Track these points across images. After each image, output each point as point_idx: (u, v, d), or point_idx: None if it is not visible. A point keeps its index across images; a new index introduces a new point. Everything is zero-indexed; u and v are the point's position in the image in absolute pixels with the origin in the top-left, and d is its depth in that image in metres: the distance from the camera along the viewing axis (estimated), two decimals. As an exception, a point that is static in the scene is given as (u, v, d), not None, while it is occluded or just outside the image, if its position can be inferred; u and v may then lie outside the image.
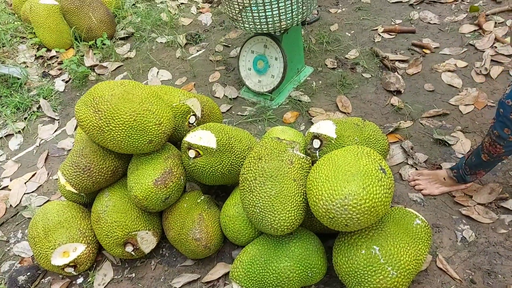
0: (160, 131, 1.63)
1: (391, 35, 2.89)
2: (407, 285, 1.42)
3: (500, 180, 1.89)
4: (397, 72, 2.55)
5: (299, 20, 2.26)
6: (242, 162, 1.76)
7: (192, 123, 1.90)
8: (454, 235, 1.72)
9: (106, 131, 1.57)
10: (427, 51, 2.68)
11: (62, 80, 3.01)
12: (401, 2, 3.16)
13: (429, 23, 2.92)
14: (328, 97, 2.53)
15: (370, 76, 2.60)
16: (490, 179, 1.89)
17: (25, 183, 2.30)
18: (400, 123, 2.23)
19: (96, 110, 1.57)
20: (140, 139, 1.60)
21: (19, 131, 2.64)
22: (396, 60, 2.65)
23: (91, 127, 1.59)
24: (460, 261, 1.63)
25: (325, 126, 1.79)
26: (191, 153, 1.69)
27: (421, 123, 2.23)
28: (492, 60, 2.49)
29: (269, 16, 2.16)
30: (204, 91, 2.76)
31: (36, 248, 1.74)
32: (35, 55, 3.25)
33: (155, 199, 1.64)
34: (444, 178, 1.87)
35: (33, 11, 3.13)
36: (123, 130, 1.56)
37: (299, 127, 2.38)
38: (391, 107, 2.37)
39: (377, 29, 2.96)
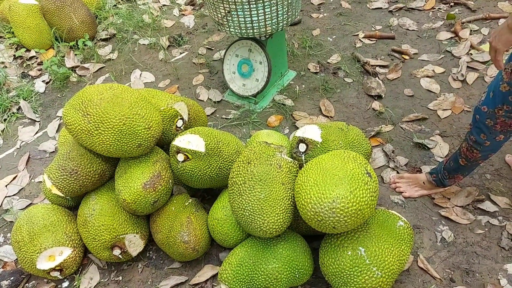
0: (149, 135, 1.64)
1: (371, 40, 2.96)
2: (391, 284, 1.48)
3: (476, 182, 1.97)
4: (378, 77, 2.63)
5: (284, 25, 2.30)
6: (230, 166, 1.78)
7: (180, 127, 1.92)
8: (434, 236, 1.79)
9: (95, 135, 1.57)
10: (406, 57, 2.76)
11: (43, 81, 2.96)
12: (381, 8, 3.25)
13: (407, 29, 3.02)
14: (312, 101, 2.58)
15: (352, 80, 2.67)
16: (467, 181, 1.98)
17: (6, 186, 2.26)
18: (381, 127, 2.30)
19: (85, 113, 1.56)
20: (129, 143, 1.60)
21: (-1, 133, 2.60)
22: (377, 65, 2.72)
23: (79, 130, 1.58)
24: (440, 260, 1.70)
25: (310, 131, 1.83)
26: (180, 157, 1.70)
27: (401, 127, 2.30)
28: (468, 67, 2.59)
29: (255, 21, 2.19)
30: (188, 93, 2.77)
31: (21, 253, 1.72)
32: (14, 55, 3.19)
33: (143, 202, 1.65)
34: (423, 182, 1.94)
35: (12, 10, 3.07)
36: (112, 134, 1.57)
37: (283, 131, 2.42)
38: (373, 112, 2.43)
39: (358, 35, 3.03)
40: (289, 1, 2.20)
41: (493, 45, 1.35)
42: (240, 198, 1.55)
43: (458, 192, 1.91)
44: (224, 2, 2.15)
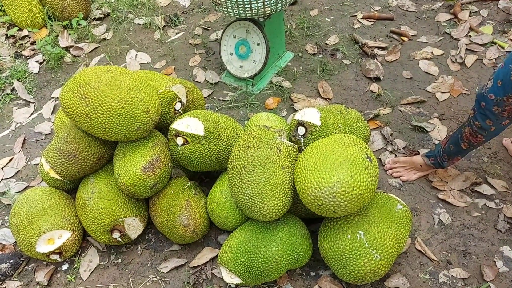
0: (148, 118, 1.62)
1: (370, 21, 2.93)
2: (389, 267, 1.50)
3: (474, 165, 1.99)
4: (376, 59, 2.61)
5: (283, 5, 2.26)
6: (229, 149, 1.78)
7: (178, 110, 1.90)
8: (432, 219, 1.81)
9: (93, 118, 1.55)
10: (405, 39, 2.74)
11: (36, 61, 2.91)
12: (379, -12, 3.20)
13: (406, 10, 2.98)
14: (309, 83, 2.56)
15: (350, 62, 2.65)
16: (465, 164, 1.99)
17: (2, 168, 2.24)
18: (379, 110, 2.30)
19: (83, 97, 1.54)
20: (128, 126, 1.59)
21: (-7, 115, 2.56)
22: (375, 47, 2.70)
23: (77, 113, 1.56)
24: (437, 243, 1.73)
25: (309, 114, 1.82)
26: (179, 140, 1.69)
27: (400, 110, 2.30)
28: (466, 49, 2.58)
29: (253, 2, 2.15)
30: (185, 75, 2.74)
31: (20, 236, 1.72)
32: (6, 34, 3.12)
33: (143, 186, 1.64)
34: (420, 165, 1.94)
35: (3, -13, 2.99)
36: (111, 118, 1.55)
37: (281, 113, 2.41)
38: (371, 94, 2.42)
39: (356, 15, 2.99)
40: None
41: None
42: (240, 182, 1.55)
43: (456, 176, 1.92)
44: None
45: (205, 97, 2.53)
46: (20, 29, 3.11)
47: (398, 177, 1.98)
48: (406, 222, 1.59)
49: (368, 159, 1.44)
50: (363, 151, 1.46)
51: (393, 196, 1.66)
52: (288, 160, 1.58)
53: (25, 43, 3.06)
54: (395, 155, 2.08)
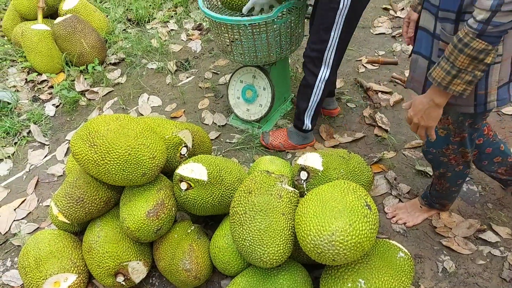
0: (153, 164, 1.68)
1: (374, 66, 3.01)
2: (391, 316, 1.48)
3: (478, 211, 1.98)
4: (380, 104, 2.65)
5: (288, 53, 2.35)
6: (232, 194, 1.81)
7: (184, 154, 1.96)
8: (436, 266, 1.79)
9: (101, 165, 1.61)
10: (409, 83, 2.79)
11: (53, 104, 3.03)
12: (384, 34, 3.30)
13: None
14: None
15: (355, 106, 2.70)
16: (469, 210, 1.99)
17: (14, 209, 2.30)
18: (383, 154, 2.32)
19: (92, 144, 1.61)
20: (134, 172, 1.64)
21: (9, 156, 2.65)
22: (380, 91, 2.76)
23: (86, 160, 1.63)
24: (441, 291, 1.71)
25: (311, 158, 1.86)
26: (183, 185, 1.74)
27: (404, 154, 2.32)
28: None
29: (259, 51, 2.24)
30: (194, 117, 2.82)
31: (27, 278, 1.75)
32: (26, 79, 3.27)
33: (147, 230, 1.68)
34: (420, 206, 1.97)
35: (25, 35, 3.17)
36: (118, 164, 1.61)
37: (286, 156, 2.45)
38: (375, 137, 2.46)
39: (361, 60, 3.08)
40: (293, 31, 2.25)
41: (423, 124, 1.38)
42: (241, 228, 1.57)
43: (460, 222, 1.92)
44: (228, 31, 2.21)
45: (212, 139, 2.60)
46: (39, 74, 3.27)
47: (404, 223, 1.98)
48: (408, 270, 1.58)
49: (367, 207, 1.46)
50: (363, 199, 1.48)
51: (395, 243, 1.66)
52: (289, 206, 1.61)
53: (43, 87, 3.21)
54: (400, 200, 2.09)
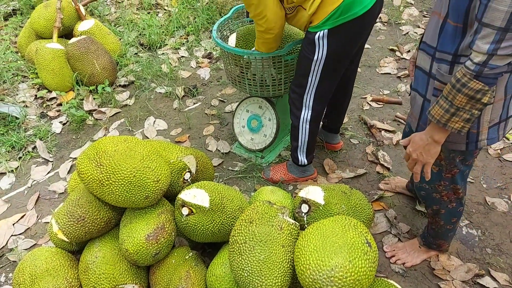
0: (157, 187, 1.69)
1: (379, 104, 3.06)
2: None
3: (477, 256, 1.97)
4: (383, 141, 2.69)
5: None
6: (232, 222, 1.82)
7: (187, 180, 1.97)
8: (433, 309, 1.78)
9: (105, 185, 1.63)
10: (412, 123, 2.84)
11: (60, 122, 3.07)
12: (389, 74, 3.37)
13: (415, 96, 3.11)
14: (316, 159, 2.63)
15: (358, 142, 2.74)
16: (468, 254, 1.98)
17: (13, 224, 2.30)
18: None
19: (98, 164, 1.63)
20: (138, 194, 1.66)
21: (12, 170, 2.67)
22: (383, 129, 2.79)
23: (91, 179, 1.64)
24: (438, 335, 1.69)
25: (313, 192, 1.87)
26: (185, 210, 1.75)
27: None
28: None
29: (267, 85, 2.30)
30: (198, 143, 2.85)
31: (21, 295, 1.74)
32: (36, 95, 3.33)
33: (145, 254, 1.68)
34: (419, 246, 1.97)
35: (39, 53, 3.24)
36: (122, 185, 1.63)
37: (287, 187, 2.46)
38: (377, 175, 2.48)
39: (366, 97, 3.13)
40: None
41: (421, 160, 1.42)
42: (240, 258, 1.57)
43: (458, 266, 1.91)
44: (239, 63, 2.27)
45: (215, 166, 2.62)
46: (49, 91, 3.33)
47: (403, 263, 1.97)
48: (405, 311, 1.57)
49: (367, 244, 1.46)
50: (363, 236, 1.49)
51: (393, 283, 1.65)
52: (289, 238, 1.61)
53: (52, 104, 3.25)
54: (399, 239, 2.09)
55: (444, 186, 1.62)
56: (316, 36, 1.84)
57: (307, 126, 2.19)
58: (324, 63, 1.93)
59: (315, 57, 1.91)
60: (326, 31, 1.83)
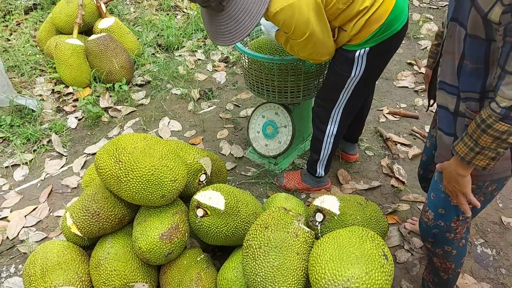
0: (174, 187, 1.69)
1: (395, 117, 3.04)
2: None
3: (491, 275, 1.94)
4: (398, 155, 2.67)
5: (314, 95, 2.40)
6: (246, 226, 1.81)
7: (202, 181, 1.97)
8: (445, 327, 1.75)
9: (123, 182, 1.63)
10: (428, 138, 2.82)
11: (75, 117, 3.09)
12: (406, 87, 3.35)
13: (432, 111, 3.09)
14: (330, 168, 2.61)
15: (373, 154, 2.72)
16: (482, 273, 1.95)
17: (25, 216, 2.30)
18: (398, 205, 2.31)
19: (117, 160, 1.63)
20: (154, 193, 1.65)
21: (26, 163, 2.68)
22: (399, 143, 2.78)
23: (109, 175, 1.64)
24: None
25: (329, 201, 1.86)
26: (199, 212, 1.74)
27: (419, 208, 2.31)
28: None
29: (285, 92, 2.29)
30: (211, 146, 2.85)
31: (31, 287, 1.73)
32: (53, 89, 3.35)
33: (158, 253, 1.67)
34: None
35: (58, 48, 3.27)
36: (140, 183, 1.62)
37: (300, 195, 2.45)
38: (391, 188, 2.46)
39: (382, 110, 3.12)
40: (321, 74, 2.31)
41: (458, 190, 1.34)
42: (254, 263, 1.56)
43: (472, 284, 1.88)
44: (260, 71, 2.26)
45: (228, 170, 2.61)
46: (66, 86, 3.35)
47: None
48: (418, 327, 1.55)
49: (384, 257, 1.44)
50: (380, 248, 1.47)
51: (407, 297, 1.63)
52: (304, 246, 1.60)
53: (68, 99, 3.27)
54: (412, 254, 2.06)
55: (463, 219, 1.50)
56: (356, 54, 1.81)
57: (332, 141, 2.16)
58: (359, 80, 1.90)
59: (352, 75, 1.88)
60: (367, 49, 1.79)
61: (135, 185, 1.63)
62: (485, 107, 1.15)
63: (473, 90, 1.24)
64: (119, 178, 1.63)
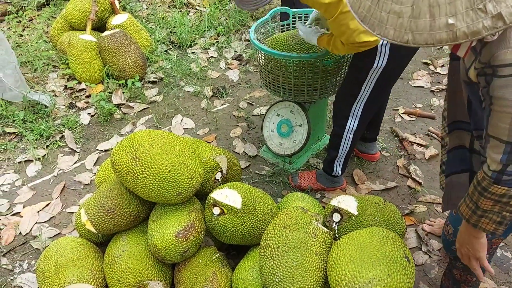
0: (190, 185, 1.66)
1: (411, 117, 2.99)
2: None
3: (511, 279, 1.90)
4: (415, 155, 2.62)
5: (331, 94, 2.36)
6: (263, 226, 1.77)
7: (218, 179, 1.94)
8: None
9: (140, 178, 1.60)
10: (445, 139, 2.77)
11: (88, 113, 3.08)
12: (422, 87, 3.30)
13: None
14: (346, 168, 2.57)
15: (389, 154, 2.67)
16: (501, 277, 1.90)
17: (38, 212, 2.29)
18: (415, 207, 2.27)
19: (134, 156, 1.61)
20: (171, 190, 1.63)
21: (39, 158, 2.67)
22: (415, 143, 2.73)
23: (125, 171, 1.62)
24: None
25: (346, 201, 1.82)
26: (216, 210, 1.71)
27: (437, 210, 2.26)
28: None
29: (302, 90, 2.26)
30: (225, 144, 2.82)
31: (45, 283, 1.72)
32: (65, 85, 3.34)
33: (174, 251, 1.64)
34: None
35: (71, 44, 3.26)
36: (157, 180, 1.60)
37: (314, 195, 2.41)
38: (408, 189, 2.41)
39: (398, 110, 3.07)
40: (339, 72, 2.27)
41: (471, 255, 1.28)
42: (272, 263, 1.53)
43: (493, 288, 1.84)
44: (276, 69, 2.23)
45: (241, 169, 2.58)
46: (79, 82, 3.34)
47: None
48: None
49: (406, 259, 1.41)
50: (402, 250, 1.43)
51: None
52: (323, 247, 1.57)
53: (81, 95, 3.26)
54: (430, 256, 2.02)
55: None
56: (379, 43, 1.78)
57: (351, 136, 2.14)
58: (382, 72, 1.88)
59: (375, 65, 1.85)
60: None
61: (152, 182, 1.60)
62: (481, 169, 1.10)
63: (483, 128, 1.16)
64: (136, 175, 1.61)
